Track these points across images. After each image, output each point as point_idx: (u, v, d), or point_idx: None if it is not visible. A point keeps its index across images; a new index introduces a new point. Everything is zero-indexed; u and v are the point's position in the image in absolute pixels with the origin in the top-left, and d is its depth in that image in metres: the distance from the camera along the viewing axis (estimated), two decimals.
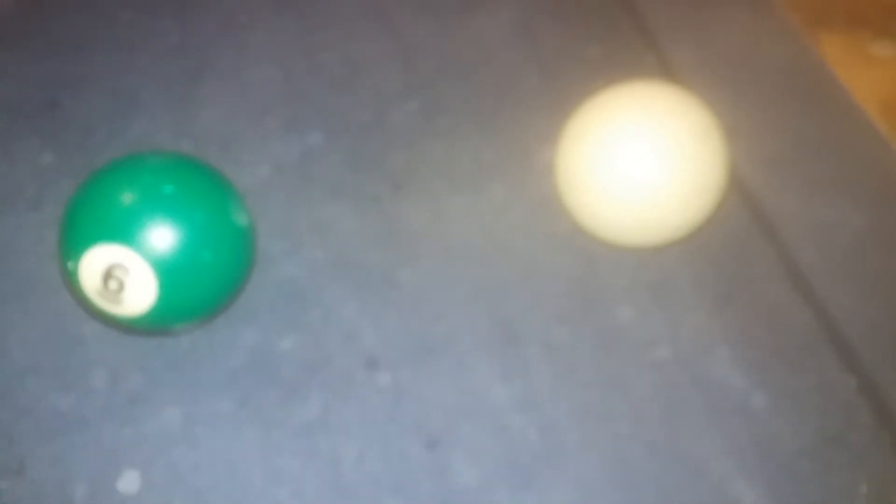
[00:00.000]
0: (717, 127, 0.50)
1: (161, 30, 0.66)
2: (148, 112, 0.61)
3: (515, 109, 0.61)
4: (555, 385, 0.49)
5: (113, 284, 0.42)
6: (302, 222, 0.56)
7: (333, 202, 0.57)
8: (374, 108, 0.62)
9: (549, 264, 0.54)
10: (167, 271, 0.42)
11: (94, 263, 0.42)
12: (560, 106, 0.61)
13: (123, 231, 0.42)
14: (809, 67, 0.59)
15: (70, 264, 0.43)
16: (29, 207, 0.56)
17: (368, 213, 0.56)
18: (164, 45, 0.65)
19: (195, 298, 0.45)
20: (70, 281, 0.44)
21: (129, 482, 0.44)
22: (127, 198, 0.43)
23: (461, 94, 0.63)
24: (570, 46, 0.65)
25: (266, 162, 0.59)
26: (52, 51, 0.64)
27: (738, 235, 0.54)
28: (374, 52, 0.65)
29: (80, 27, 0.65)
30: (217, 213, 0.45)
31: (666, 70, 0.62)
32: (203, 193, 0.45)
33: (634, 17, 0.66)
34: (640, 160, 0.49)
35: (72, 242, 0.43)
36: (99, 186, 0.43)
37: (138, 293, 0.42)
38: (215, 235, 0.45)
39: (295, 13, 0.67)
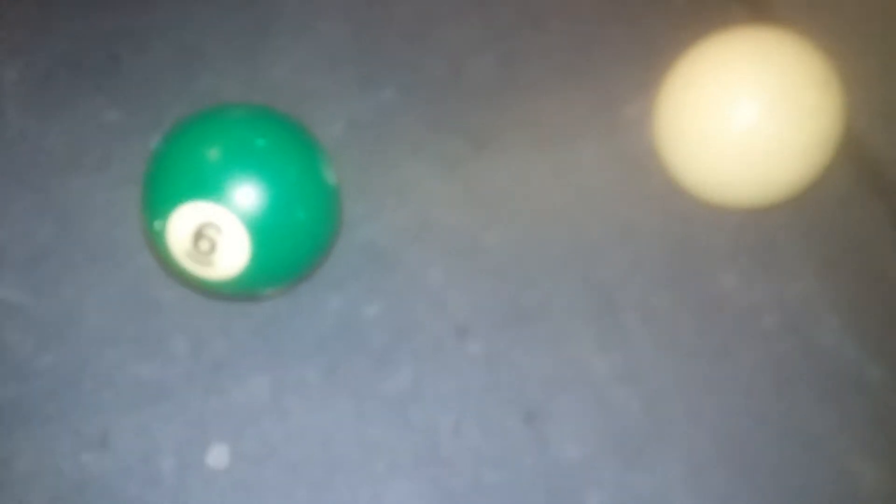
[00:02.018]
0: (833, 76, 0.46)
1: None
2: (214, 66, 0.58)
3: (599, 61, 0.58)
4: (657, 355, 0.46)
5: (204, 245, 0.39)
6: (381, 183, 0.53)
7: (413, 162, 0.54)
8: (450, 62, 0.58)
9: (645, 226, 0.51)
10: (261, 231, 0.40)
11: (183, 222, 0.39)
12: (646, 57, 0.57)
13: (215, 187, 0.39)
14: None
15: (157, 224, 0.40)
16: (96, 168, 0.54)
17: (450, 173, 0.53)
18: None
19: (288, 260, 0.42)
20: (155, 242, 0.41)
21: (218, 456, 0.43)
22: (217, 152, 0.40)
23: (541, 45, 0.59)
24: None
25: (340, 119, 0.56)
26: (109, 2, 0.61)
27: (848, 195, 0.51)
28: (446, 1, 0.61)
29: None
30: (309, 170, 0.42)
31: (758, 18, 0.58)
32: (294, 148, 0.42)
33: None
34: (748, 112, 0.45)
35: (158, 200, 0.40)
36: (186, 139, 0.41)
37: (231, 254, 0.40)
38: (309, 193, 0.42)
39: None
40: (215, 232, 0.39)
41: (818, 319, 0.47)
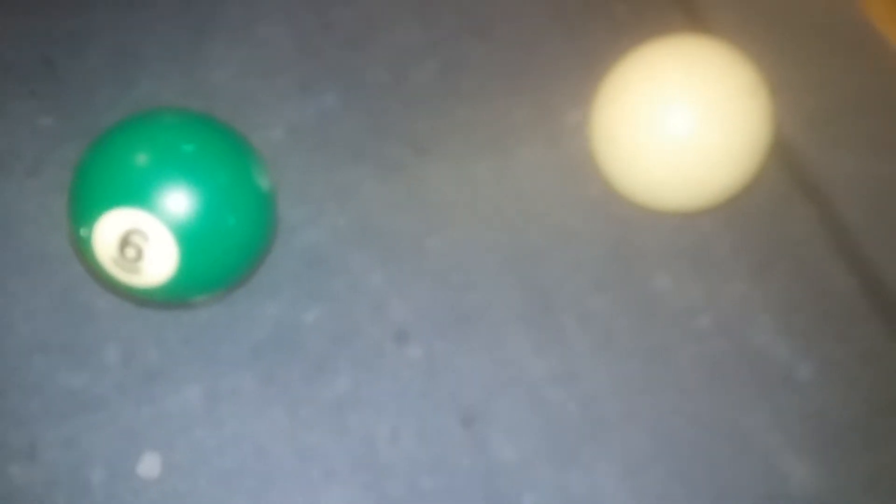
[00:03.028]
0: (763, 83, 0.47)
1: None
2: (152, 71, 0.57)
3: (541, 69, 0.58)
4: (593, 356, 0.47)
5: (130, 252, 0.39)
6: (321, 187, 0.53)
7: (354, 166, 0.54)
8: (392, 67, 0.58)
9: (582, 230, 0.51)
10: (189, 238, 0.39)
11: (109, 229, 0.39)
12: (587, 65, 0.58)
13: (141, 194, 0.39)
14: (850, 21, 0.56)
15: (83, 231, 0.40)
16: (29, 173, 0.52)
17: (392, 178, 0.53)
18: (166, 1, 0.61)
19: (218, 267, 0.42)
20: (82, 249, 0.41)
21: (149, 465, 0.42)
22: (144, 157, 0.40)
23: (483, 52, 0.59)
24: (594, 3, 0.62)
25: (280, 124, 0.56)
26: (45, 4, 0.60)
27: (779, 198, 0.52)
28: (388, 7, 0.61)
29: None
30: (240, 175, 0.42)
31: (696, 24, 0.59)
32: (224, 153, 0.42)
33: None
34: (680, 119, 0.46)
35: (84, 207, 0.40)
36: (112, 145, 0.40)
37: (158, 261, 0.39)
38: (239, 199, 0.42)
39: None
40: (141, 239, 0.38)
41: (751, 320, 0.48)
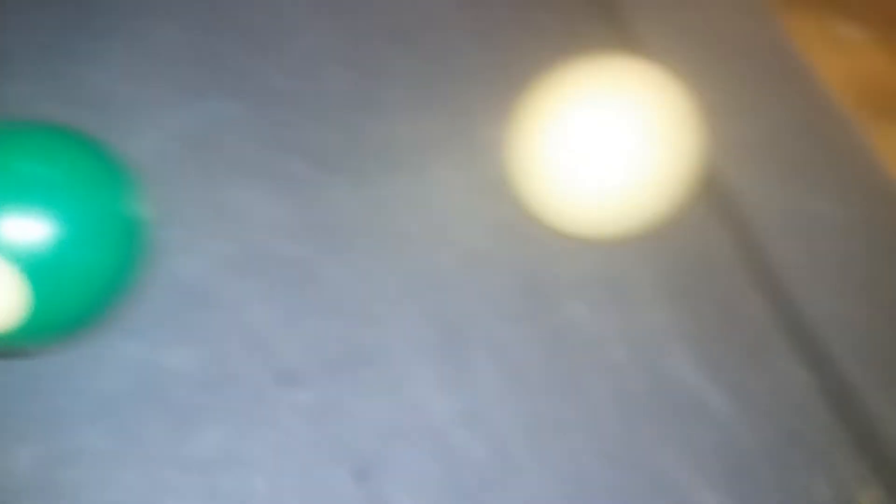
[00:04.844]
0: (692, 109, 0.45)
1: None
2: (16, 70, 0.51)
3: (458, 81, 0.54)
4: (502, 393, 0.43)
5: None
6: (202, 207, 0.47)
7: (243, 184, 0.48)
8: (297, 74, 0.53)
9: (495, 255, 0.48)
10: (35, 274, 0.34)
11: None
12: (507, 78, 0.54)
13: None
14: (778, 48, 0.55)
15: None
16: None
17: (286, 196, 0.48)
18: None
19: (71, 308, 0.36)
20: None
21: None
22: None
23: (398, 61, 0.55)
24: (519, 13, 0.58)
25: (159, 133, 0.50)
26: None
27: (700, 227, 0.49)
28: (297, 8, 0.56)
29: None
30: (102, 201, 0.36)
31: (622, 42, 0.56)
32: (83, 174, 0.36)
33: None
34: (605, 142, 0.43)
35: None
36: None
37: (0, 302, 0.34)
38: (98, 227, 0.36)
39: None
40: None
41: (665, 350, 0.45)
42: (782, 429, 0.43)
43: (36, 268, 0.34)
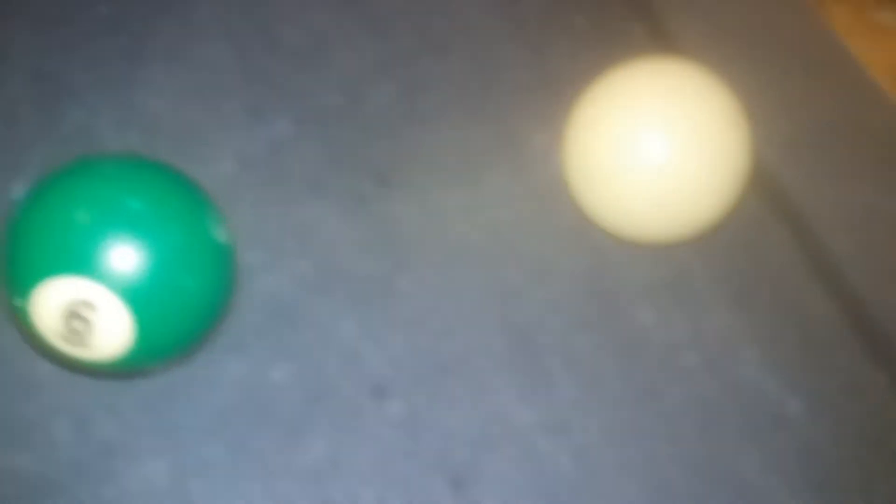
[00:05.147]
0: (739, 108, 0.46)
1: (87, 0, 0.56)
2: (82, 99, 0.52)
3: (502, 88, 0.56)
4: (582, 402, 0.45)
5: (78, 325, 0.34)
6: (279, 227, 0.49)
7: (312, 202, 0.50)
8: (346, 90, 0.55)
9: (559, 263, 0.49)
10: (143, 305, 0.35)
11: (50, 301, 0.34)
12: (550, 83, 0.56)
13: (84, 259, 0.34)
14: (820, 40, 0.56)
15: (17, 301, 0.35)
16: None
17: (354, 213, 0.50)
18: (92, 18, 0.55)
19: (177, 333, 0.38)
20: (18, 319, 0.36)
21: None
22: (85, 216, 0.35)
23: (441, 72, 0.56)
24: (554, 16, 0.59)
25: (229, 156, 0.51)
26: None
27: (757, 226, 0.51)
28: (338, 24, 0.57)
29: None
30: (194, 230, 0.38)
31: (660, 40, 0.57)
32: (176, 207, 0.38)
33: None
34: (656, 148, 0.45)
35: (18, 274, 0.35)
36: (49, 202, 0.35)
37: (110, 333, 0.35)
38: (196, 256, 0.38)
39: None
40: (89, 310, 0.34)
41: (737, 354, 0.47)
42: (862, 434, 0.44)
43: (140, 296, 0.35)
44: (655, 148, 0.45)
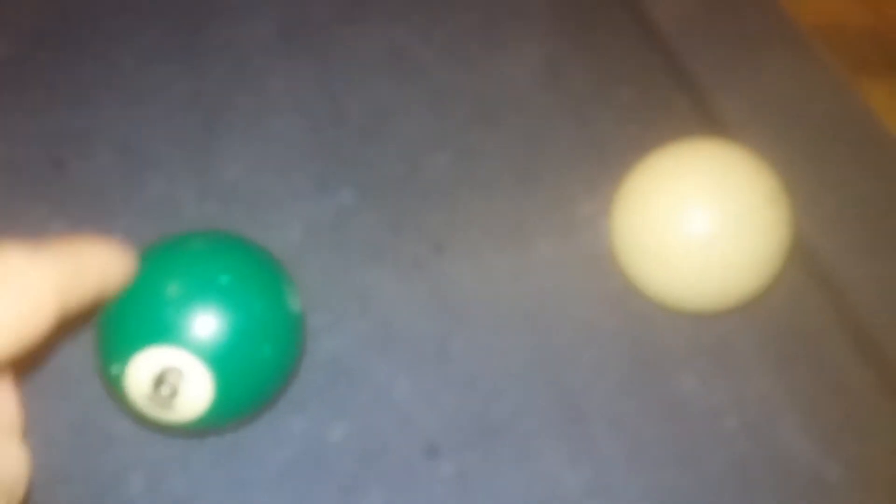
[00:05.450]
0: (780, 185, 0.48)
1: (169, 76, 0.61)
2: (163, 169, 0.57)
3: (551, 157, 0.59)
4: (626, 466, 0.46)
5: (165, 390, 0.38)
6: (341, 290, 0.52)
7: (373, 266, 0.53)
8: (406, 159, 0.58)
9: (604, 328, 0.51)
10: (225, 371, 0.39)
11: (143, 368, 0.38)
12: (595, 153, 0.58)
13: (176, 330, 0.38)
14: (857, 116, 0.58)
15: (115, 368, 0.39)
16: None
17: (411, 277, 0.53)
18: (174, 94, 0.60)
19: (253, 396, 0.41)
20: (112, 385, 0.40)
21: None
22: (177, 290, 0.39)
23: (494, 141, 0.60)
24: (600, 88, 0.62)
25: (298, 223, 0.55)
26: (52, 102, 0.59)
27: (798, 297, 0.52)
28: (399, 97, 0.61)
29: (81, 76, 0.60)
30: (274, 302, 0.41)
31: (701, 113, 0.60)
32: (258, 281, 0.41)
33: (666, 56, 0.64)
34: (701, 224, 0.47)
35: (115, 345, 0.39)
36: (143, 278, 0.39)
37: (193, 397, 0.38)
38: (274, 326, 0.41)
39: (311, 54, 0.63)
40: (177, 377, 0.38)
41: (777, 419, 0.48)
42: None
43: (222, 364, 0.39)
44: (700, 222, 0.47)
